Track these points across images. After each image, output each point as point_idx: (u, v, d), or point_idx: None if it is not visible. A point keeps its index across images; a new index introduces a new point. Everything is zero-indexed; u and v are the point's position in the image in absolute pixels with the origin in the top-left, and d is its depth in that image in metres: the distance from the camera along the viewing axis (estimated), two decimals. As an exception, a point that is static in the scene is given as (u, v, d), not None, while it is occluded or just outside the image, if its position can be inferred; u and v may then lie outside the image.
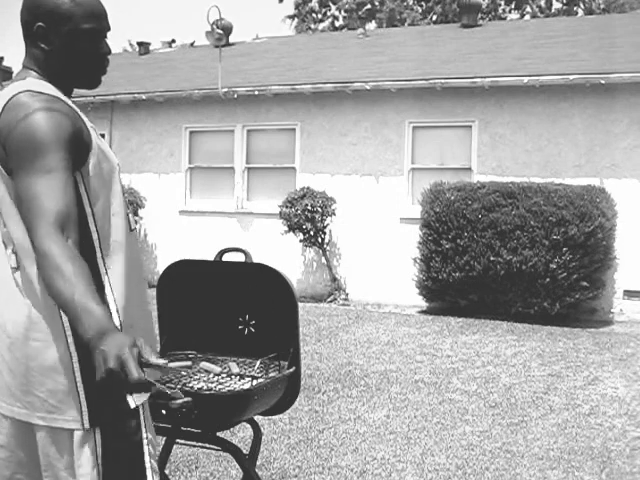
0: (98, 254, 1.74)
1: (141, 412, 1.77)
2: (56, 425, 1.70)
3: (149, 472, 1.77)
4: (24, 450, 1.78)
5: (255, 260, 2.60)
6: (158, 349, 2.69)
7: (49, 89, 1.74)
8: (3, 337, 1.76)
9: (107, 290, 1.74)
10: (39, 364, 1.70)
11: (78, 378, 1.69)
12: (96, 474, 1.69)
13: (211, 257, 2.68)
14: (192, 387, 2.33)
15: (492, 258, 8.88)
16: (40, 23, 1.75)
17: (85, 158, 1.71)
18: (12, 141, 1.64)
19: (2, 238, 1.77)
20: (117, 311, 1.74)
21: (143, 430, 1.77)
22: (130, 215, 1.88)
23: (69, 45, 1.77)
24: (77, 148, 1.68)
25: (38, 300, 1.71)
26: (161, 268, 12.20)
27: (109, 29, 1.85)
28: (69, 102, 1.75)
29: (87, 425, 1.69)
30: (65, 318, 1.68)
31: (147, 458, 1.77)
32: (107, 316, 1.50)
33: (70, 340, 1.69)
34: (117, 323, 1.72)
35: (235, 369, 2.48)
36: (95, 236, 1.74)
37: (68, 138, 1.66)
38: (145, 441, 1.77)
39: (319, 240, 10.52)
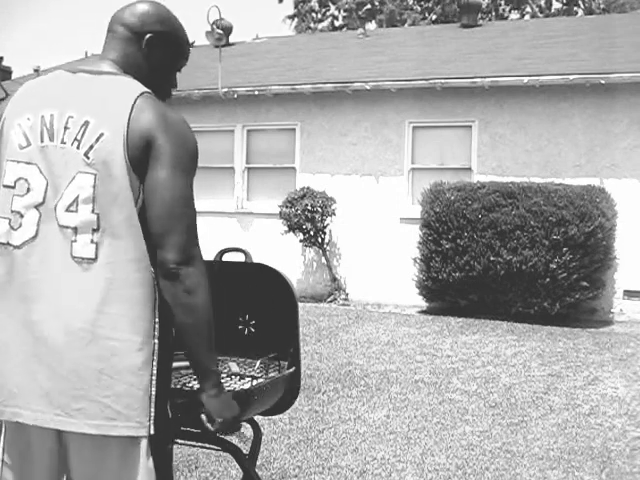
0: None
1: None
2: (113, 433, 1.62)
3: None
4: (54, 464, 1.73)
5: (255, 260, 2.60)
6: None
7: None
8: (56, 334, 1.63)
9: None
10: (111, 366, 1.61)
11: (154, 382, 1.66)
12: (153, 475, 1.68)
13: (211, 257, 2.68)
14: (192, 387, 2.33)
15: (492, 258, 8.88)
16: (152, 35, 1.85)
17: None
18: (167, 141, 1.69)
19: (72, 224, 1.65)
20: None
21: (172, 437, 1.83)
22: None
23: (162, 66, 1.90)
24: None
25: (124, 296, 1.63)
26: (161, 268, 12.17)
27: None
28: None
29: (152, 431, 1.65)
30: (157, 318, 1.68)
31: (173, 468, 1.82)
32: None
33: (156, 344, 1.67)
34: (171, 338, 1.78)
35: (235, 369, 2.48)
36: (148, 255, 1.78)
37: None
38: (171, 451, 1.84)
39: (319, 240, 10.52)
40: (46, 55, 51.35)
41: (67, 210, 1.65)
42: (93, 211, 1.64)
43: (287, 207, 10.33)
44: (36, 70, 13.48)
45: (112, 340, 1.61)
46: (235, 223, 11.59)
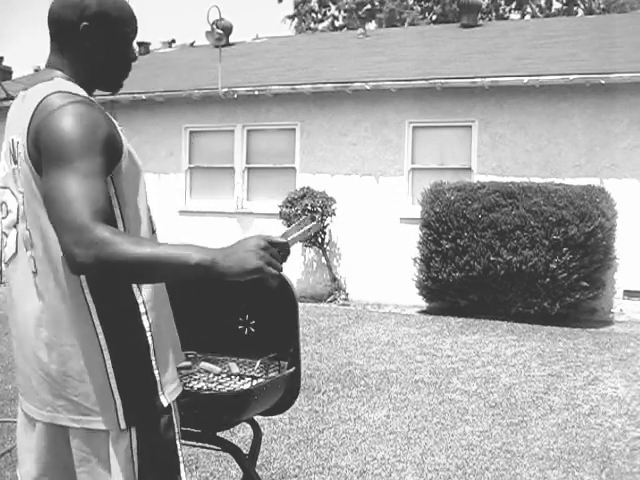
0: None
1: (173, 409, 1.79)
2: (91, 427, 1.69)
3: (182, 467, 1.79)
4: (51, 453, 1.78)
5: (255, 260, 2.59)
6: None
7: (78, 90, 1.74)
8: (31, 341, 1.75)
9: (136, 292, 1.73)
10: (70, 368, 1.69)
11: (112, 380, 1.69)
12: (131, 470, 1.70)
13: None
14: (192, 387, 2.33)
15: (492, 258, 8.88)
16: (86, 23, 1.76)
17: (116, 162, 1.70)
18: (47, 138, 1.61)
19: (23, 240, 1.74)
20: (146, 313, 1.74)
21: (175, 426, 1.78)
22: (153, 218, 1.90)
23: (109, 47, 1.81)
24: (111, 152, 1.67)
25: (62, 305, 1.69)
26: (161, 268, 12.14)
27: (136, 35, 1.91)
28: (99, 105, 1.76)
29: (123, 426, 1.68)
30: (96, 320, 1.67)
31: (180, 453, 1.79)
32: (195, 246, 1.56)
33: (103, 343, 1.68)
34: (146, 325, 1.73)
35: (235, 369, 2.48)
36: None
37: (105, 141, 1.65)
38: (177, 436, 1.79)
39: (319, 240, 10.52)
40: (46, 55, 51.28)
41: (25, 229, 1.74)
42: (26, 228, 1.72)
43: (287, 207, 10.33)
44: (36, 70, 13.48)
45: (64, 345, 1.69)
46: (235, 223, 11.59)
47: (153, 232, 1.89)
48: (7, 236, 1.80)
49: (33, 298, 1.73)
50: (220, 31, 11.79)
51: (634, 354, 7.20)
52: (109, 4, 1.79)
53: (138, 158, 1.83)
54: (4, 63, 16.14)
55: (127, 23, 1.83)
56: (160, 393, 1.74)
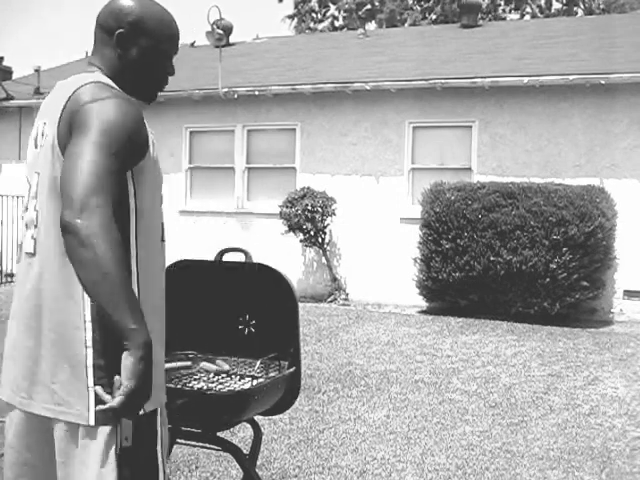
0: (133, 261, 1.74)
1: (158, 413, 1.77)
2: (64, 419, 1.69)
3: (162, 475, 1.76)
4: (31, 444, 1.77)
5: (255, 260, 2.60)
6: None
7: (115, 87, 1.78)
8: (20, 324, 1.77)
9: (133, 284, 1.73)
10: (53, 354, 1.70)
11: (90, 372, 1.68)
12: (109, 469, 1.67)
13: (211, 257, 2.69)
14: (192, 387, 2.33)
15: (492, 258, 8.88)
16: (122, 30, 1.80)
17: (142, 156, 1.73)
18: (81, 116, 1.64)
19: (26, 221, 1.77)
20: None
21: (158, 434, 1.76)
22: (164, 226, 1.90)
23: (143, 59, 1.83)
24: (137, 146, 1.71)
25: (56, 290, 1.70)
26: (161, 268, 12.05)
27: (177, 51, 1.93)
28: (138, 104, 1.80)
29: (92, 422, 1.67)
30: (87, 309, 1.67)
31: (160, 461, 1.76)
32: (142, 319, 1.54)
33: (89, 334, 1.68)
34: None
35: (225, 367, 2.48)
36: (133, 243, 1.74)
37: (135, 130, 1.69)
38: (159, 442, 1.76)
39: (319, 240, 10.52)
40: (46, 55, 51.33)
41: (27, 209, 1.78)
42: (35, 208, 1.75)
43: (287, 207, 10.33)
44: (36, 70, 13.48)
45: (51, 332, 1.70)
46: (235, 223, 11.59)
47: (162, 241, 1.88)
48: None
49: (29, 281, 1.74)
50: (220, 31, 11.79)
51: (634, 354, 7.20)
52: (150, 17, 1.82)
53: (160, 168, 1.86)
54: (4, 63, 16.12)
55: (164, 39, 1.85)
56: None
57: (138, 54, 1.82)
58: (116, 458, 1.67)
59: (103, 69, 1.82)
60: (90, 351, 1.68)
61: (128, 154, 1.67)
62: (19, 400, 1.75)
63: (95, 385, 1.66)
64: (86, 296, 1.66)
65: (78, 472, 1.68)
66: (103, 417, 1.66)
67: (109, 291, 1.51)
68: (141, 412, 1.68)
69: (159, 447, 1.76)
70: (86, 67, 1.86)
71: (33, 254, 1.74)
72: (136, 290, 1.72)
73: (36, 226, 1.73)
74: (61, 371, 1.69)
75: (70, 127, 1.67)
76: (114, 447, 1.67)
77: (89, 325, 1.68)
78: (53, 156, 1.70)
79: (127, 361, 1.52)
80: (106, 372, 1.67)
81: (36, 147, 1.79)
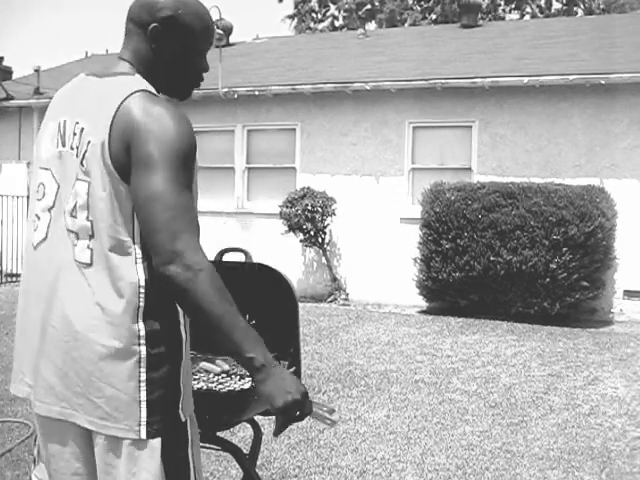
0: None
1: (188, 425, 1.75)
2: (109, 433, 1.65)
3: (192, 476, 1.75)
4: (79, 461, 1.75)
5: (255, 260, 2.60)
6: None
7: (160, 96, 1.72)
8: (59, 334, 1.69)
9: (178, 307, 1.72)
10: (100, 369, 1.64)
11: (143, 389, 1.65)
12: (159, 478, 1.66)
13: (211, 257, 2.68)
14: (192, 387, 2.33)
15: (492, 258, 8.88)
16: (156, 24, 1.74)
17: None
18: (142, 141, 1.59)
19: (74, 229, 1.68)
20: (185, 324, 1.75)
21: (189, 443, 1.74)
22: None
23: (179, 55, 1.78)
24: (195, 154, 1.69)
25: (114, 304, 1.65)
26: (161, 268, 12.09)
27: (211, 46, 1.88)
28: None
29: (143, 435, 1.64)
30: (140, 322, 1.64)
31: (192, 473, 1.74)
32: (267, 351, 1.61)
33: (143, 348, 1.65)
34: (184, 336, 1.75)
35: (225, 366, 2.48)
36: None
37: (194, 152, 1.67)
38: (190, 453, 1.74)
39: (319, 240, 10.52)
40: (46, 55, 51.35)
41: (71, 215, 1.69)
42: (87, 218, 1.67)
43: (287, 207, 10.34)
44: (36, 70, 13.48)
45: (98, 345, 1.65)
46: (235, 223, 11.60)
47: None
48: (39, 219, 1.76)
49: (82, 290, 1.67)
50: (220, 31, 11.79)
51: (634, 354, 7.20)
52: (186, 11, 1.76)
53: None
54: (4, 63, 16.12)
55: (200, 33, 1.79)
56: (180, 407, 1.71)
57: (173, 49, 1.76)
58: (163, 467, 1.66)
59: (135, 65, 1.76)
60: (144, 365, 1.65)
61: (194, 172, 1.67)
62: (58, 410, 1.70)
63: (147, 399, 1.64)
64: (140, 310, 1.65)
65: None
66: (154, 430, 1.65)
67: (223, 325, 1.59)
68: (183, 420, 1.71)
69: (190, 452, 1.74)
70: (116, 62, 1.79)
71: (90, 264, 1.67)
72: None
73: (92, 236, 1.66)
74: (105, 386, 1.65)
75: (127, 147, 1.61)
76: (160, 456, 1.66)
77: (143, 336, 1.65)
78: (109, 173, 1.63)
79: (261, 390, 1.61)
80: (157, 385, 1.66)
81: (64, 145, 1.72)
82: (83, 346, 1.65)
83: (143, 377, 1.65)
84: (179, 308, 1.71)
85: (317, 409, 1.71)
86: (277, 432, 1.68)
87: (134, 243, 1.65)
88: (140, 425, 1.64)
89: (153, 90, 1.71)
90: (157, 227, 1.56)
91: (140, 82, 1.71)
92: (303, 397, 1.61)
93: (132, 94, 1.65)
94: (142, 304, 1.65)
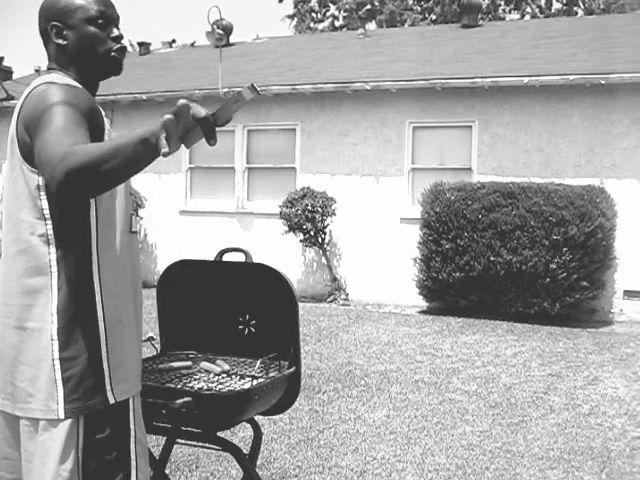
0: (93, 250, 1.76)
1: (130, 409, 1.76)
2: (31, 415, 1.69)
3: (134, 472, 1.76)
4: (10, 446, 1.79)
5: (255, 260, 2.60)
6: (159, 349, 2.70)
7: (69, 81, 1.80)
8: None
9: (95, 279, 1.75)
10: (21, 351, 1.71)
11: (57, 367, 1.69)
12: (73, 464, 1.68)
13: (211, 257, 2.69)
14: (192, 387, 2.33)
15: (492, 258, 8.88)
16: (54, 22, 1.86)
17: (99, 138, 1.75)
18: (34, 119, 1.67)
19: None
20: (102, 302, 1.75)
21: (130, 427, 1.76)
22: (133, 217, 1.91)
23: (83, 32, 1.86)
24: (93, 125, 1.72)
25: (18, 287, 1.73)
26: (161, 268, 12.16)
27: (118, 17, 1.94)
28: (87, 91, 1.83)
29: (62, 415, 1.67)
30: (53, 303, 1.69)
31: (133, 457, 1.75)
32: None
33: (54, 327, 1.69)
34: (100, 314, 1.74)
35: (225, 366, 2.48)
36: (94, 231, 1.76)
37: (87, 110, 1.72)
38: (132, 439, 1.75)
39: (319, 240, 10.52)
40: (46, 55, 51.29)
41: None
42: None
43: (287, 207, 10.34)
44: (36, 70, 13.47)
45: (18, 329, 1.72)
46: (235, 223, 11.59)
47: (131, 232, 1.89)
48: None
49: (8, 277, 1.77)
50: (220, 31, 11.80)
51: (634, 354, 7.21)
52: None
53: None
54: (4, 63, 16.13)
55: (95, 3, 1.87)
56: (108, 389, 1.72)
57: (78, 33, 1.86)
58: (79, 452, 1.67)
59: (56, 67, 1.88)
60: (56, 344, 1.69)
61: (89, 122, 1.70)
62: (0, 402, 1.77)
63: (62, 377, 1.67)
64: (53, 288, 1.69)
65: (37, 469, 1.69)
66: (73, 410, 1.67)
67: (122, 155, 1.51)
68: (112, 401, 1.71)
69: (132, 440, 1.75)
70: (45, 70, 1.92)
71: (8, 250, 1.77)
72: (97, 275, 1.75)
73: (0, 227, 1.79)
74: (27, 368, 1.71)
75: (28, 133, 1.70)
76: (76, 440, 1.67)
77: (55, 315, 1.70)
78: (15, 158, 1.76)
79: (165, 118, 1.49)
80: (72, 363, 1.68)
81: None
82: (6, 333, 1.74)
83: (56, 355, 1.69)
84: (94, 284, 1.74)
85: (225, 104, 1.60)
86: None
87: (45, 224, 1.72)
88: (58, 404, 1.67)
89: (60, 80, 1.78)
90: (43, 161, 1.59)
91: (51, 77, 1.80)
92: (181, 108, 1.49)
93: (37, 86, 1.77)
94: (54, 282, 1.71)
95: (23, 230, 1.73)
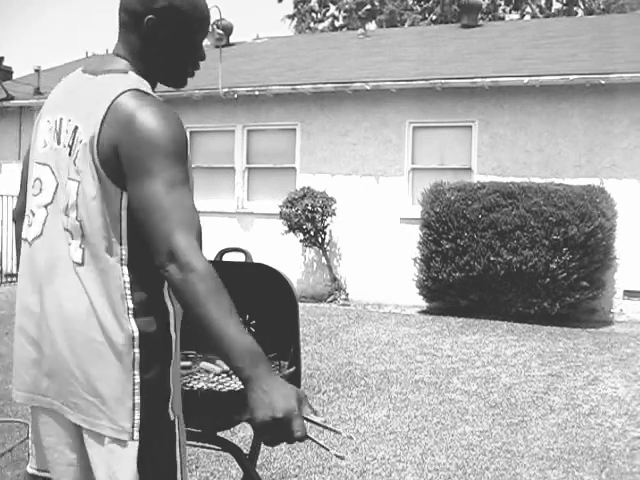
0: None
1: (176, 425, 1.75)
2: (100, 432, 1.65)
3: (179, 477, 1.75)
4: (75, 451, 1.75)
5: (255, 260, 2.60)
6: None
7: (149, 89, 1.71)
8: (53, 333, 1.69)
9: (168, 302, 1.71)
10: (97, 369, 1.65)
11: (137, 392, 1.65)
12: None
13: (211, 257, 2.68)
14: (192, 387, 2.33)
15: (492, 258, 8.88)
16: (152, 16, 1.70)
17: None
18: (131, 145, 1.59)
19: (68, 227, 1.68)
20: (175, 324, 1.73)
21: (177, 442, 1.74)
22: None
23: (177, 44, 1.75)
24: (187, 151, 1.67)
25: (99, 303, 1.65)
26: (161, 268, 12.11)
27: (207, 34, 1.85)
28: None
29: (136, 436, 1.64)
30: (132, 321, 1.64)
31: (178, 470, 1.74)
32: (262, 353, 1.53)
33: (137, 354, 1.65)
34: (174, 336, 1.72)
35: (225, 366, 2.48)
36: None
37: (185, 147, 1.65)
38: (178, 452, 1.74)
39: (319, 240, 10.52)
40: (46, 55, 51.35)
41: (65, 214, 1.70)
42: (77, 218, 1.67)
43: (287, 207, 10.34)
44: (36, 70, 13.48)
45: (96, 344, 1.65)
46: (235, 223, 11.60)
47: None
48: (34, 215, 1.76)
49: (73, 289, 1.67)
50: (220, 31, 11.80)
51: (634, 354, 7.21)
52: (182, 1, 1.72)
53: None
54: (4, 63, 16.12)
55: (197, 24, 1.75)
56: (169, 407, 1.71)
57: (170, 41, 1.74)
58: (138, 469, 1.66)
59: (130, 60, 1.74)
60: (137, 367, 1.65)
61: (187, 169, 1.67)
62: (58, 406, 1.72)
63: (141, 401, 1.64)
64: (132, 305, 1.65)
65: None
66: (144, 430, 1.65)
67: (211, 334, 1.52)
68: (172, 418, 1.70)
69: (177, 451, 1.74)
70: (112, 58, 1.76)
71: (81, 264, 1.67)
72: (168, 298, 1.71)
73: (83, 236, 1.66)
74: (101, 386, 1.65)
75: (115, 149, 1.61)
76: (137, 458, 1.65)
77: (136, 333, 1.65)
78: (98, 173, 1.63)
79: (251, 400, 1.50)
80: (150, 387, 1.66)
81: (59, 143, 1.71)
82: (79, 346, 1.66)
83: (137, 379, 1.65)
84: (169, 308, 1.71)
85: (316, 437, 1.63)
86: (254, 446, 1.64)
87: (120, 244, 1.66)
88: (134, 427, 1.64)
89: (145, 88, 1.70)
90: (151, 230, 1.56)
91: (132, 80, 1.69)
92: (287, 416, 1.45)
93: (122, 94, 1.63)
94: (130, 305, 1.65)
95: (100, 244, 1.65)
